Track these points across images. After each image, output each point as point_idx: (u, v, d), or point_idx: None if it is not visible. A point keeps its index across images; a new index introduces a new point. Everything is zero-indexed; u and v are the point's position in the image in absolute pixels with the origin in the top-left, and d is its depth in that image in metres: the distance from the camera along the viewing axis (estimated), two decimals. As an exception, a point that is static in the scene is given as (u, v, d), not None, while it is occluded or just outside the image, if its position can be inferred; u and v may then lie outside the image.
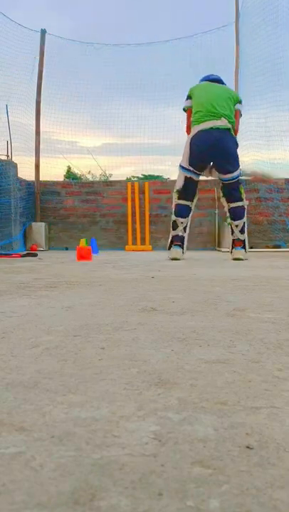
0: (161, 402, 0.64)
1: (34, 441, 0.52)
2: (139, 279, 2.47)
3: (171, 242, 4.36)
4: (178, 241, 4.32)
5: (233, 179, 4.23)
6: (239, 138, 7.03)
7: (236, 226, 4.34)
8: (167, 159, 4.58)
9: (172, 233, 4.36)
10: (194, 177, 4.28)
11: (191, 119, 4.31)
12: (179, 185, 4.31)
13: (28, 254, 5.12)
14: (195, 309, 1.45)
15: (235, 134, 4.34)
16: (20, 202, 6.88)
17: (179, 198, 4.33)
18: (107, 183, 7.88)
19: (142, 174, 15.06)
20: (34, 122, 7.68)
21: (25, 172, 7.47)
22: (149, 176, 13.50)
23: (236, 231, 4.35)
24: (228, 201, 4.31)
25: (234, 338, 1.04)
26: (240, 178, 4.32)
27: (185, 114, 4.48)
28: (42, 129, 7.75)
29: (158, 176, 11.64)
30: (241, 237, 4.35)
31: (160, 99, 7.83)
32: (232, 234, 4.38)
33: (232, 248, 4.39)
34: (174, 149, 4.60)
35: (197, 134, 4.16)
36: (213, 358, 0.87)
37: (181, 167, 4.31)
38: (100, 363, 0.84)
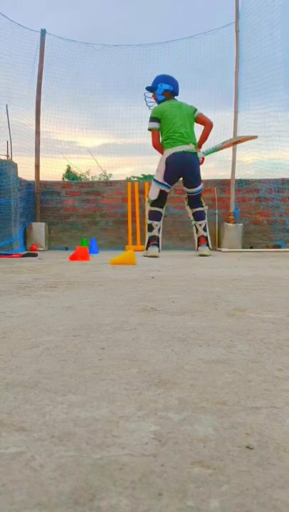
0: (161, 402, 0.64)
1: (34, 441, 0.52)
2: (139, 279, 2.47)
3: (148, 242, 5.22)
4: (155, 241, 5.19)
5: (198, 192, 5.24)
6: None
7: (200, 225, 5.27)
8: (167, 159, 5.03)
9: (149, 234, 5.26)
10: (166, 190, 5.20)
11: (162, 141, 5.17)
12: (154, 196, 5.18)
13: (28, 254, 5.12)
14: (195, 309, 1.45)
15: (204, 139, 5.26)
16: (20, 202, 6.88)
17: (152, 206, 5.23)
18: (107, 183, 7.88)
19: (142, 174, 15.06)
20: (34, 122, 7.67)
21: (25, 172, 7.46)
22: (149, 176, 13.50)
23: (200, 229, 5.26)
24: (192, 207, 5.30)
25: (234, 338, 1.04)
26: (201, 190, 5.30)
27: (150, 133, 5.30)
28: (42, 129, 7.74)
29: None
30: (205, 234, 5.25)
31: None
32: (196, 232, 5.29)
33: (197, 246, 5.26)
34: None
35: (172, 155, 5.09)
36: (213, 358, 0.87)
37: (156, 181, 5.19)
38: (100, 363, 0.84)
